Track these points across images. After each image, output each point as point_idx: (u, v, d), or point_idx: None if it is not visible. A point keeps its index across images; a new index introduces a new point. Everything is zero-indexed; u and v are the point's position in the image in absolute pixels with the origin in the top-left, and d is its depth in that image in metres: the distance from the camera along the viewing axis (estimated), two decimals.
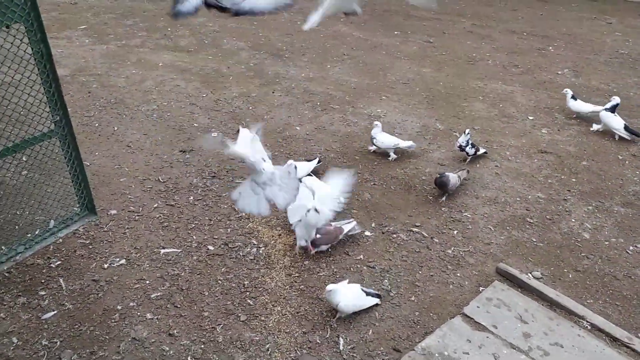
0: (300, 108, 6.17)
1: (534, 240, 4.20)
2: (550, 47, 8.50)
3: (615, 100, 5.59)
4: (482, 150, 5.21)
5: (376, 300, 3.44)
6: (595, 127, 5.84)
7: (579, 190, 4.85)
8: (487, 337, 3.23)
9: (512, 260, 3.96)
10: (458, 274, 3.81)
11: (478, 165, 5.16)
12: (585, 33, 9.25)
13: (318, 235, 3.80)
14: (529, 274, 3.80)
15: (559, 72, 7.50)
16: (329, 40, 8.51)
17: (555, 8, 10.72)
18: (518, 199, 4.70)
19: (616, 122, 5.58)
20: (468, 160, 5.13)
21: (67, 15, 9.20)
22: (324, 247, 3.86)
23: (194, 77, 6.90)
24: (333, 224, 3.90)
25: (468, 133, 5.05)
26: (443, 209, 4.50)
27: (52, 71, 3.13)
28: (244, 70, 7.19)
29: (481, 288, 3.68)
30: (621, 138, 5.60)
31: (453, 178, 4.53)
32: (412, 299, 3.58)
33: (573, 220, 4.46)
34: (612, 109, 5.60)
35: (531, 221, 4.42)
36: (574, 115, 6.11)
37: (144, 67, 7.13)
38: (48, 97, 3.21)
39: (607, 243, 4.20)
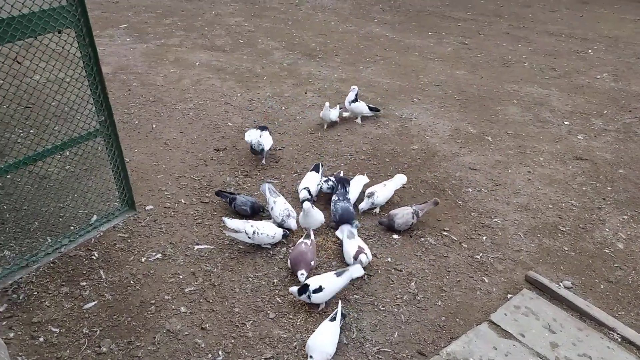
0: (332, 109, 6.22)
1: (566, 249, 4.15)
2: (590, 50, 8.30)
3: (355, 89, 5.76)
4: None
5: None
6: (359, 119, 5.97)
7: (614, 199, 4.76)
8: (514, 345, 3.24)
9: (542, 269, 3.93)
10: (486, 281, 3.82)
11: (510, 171, 5.12)
12: (628, 35, 8.99)
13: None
14: (560, 283, 3.77)
15: (598, 76, 7.33)
16: (362, 41, 8.54)
17: (596, 9, 10.45)
18: (550, 206, 4.64)
19: (363, 107, 5.86)
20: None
21: (109, 13, 9.53)
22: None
23: (229, 76, 7.06)
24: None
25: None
26: (472, 214, 4.50)
27: (99, 73, 3.30)
28: (277, 70, 7.31)
29: (509, 295, 3.67)
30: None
31: (401, 217, 4.08)
32: (439, 303, 3.60)
33: (607, 229, 4.38)
34: (356, 99, 5.79)
35: (563, 229, 4.37)
36: (325, 126, 5.82)
37: (181, 65, 7.34)
38: (94, 98, 3.39)
39: None
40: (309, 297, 3.35)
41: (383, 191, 4.39)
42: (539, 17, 10.01)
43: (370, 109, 5.94)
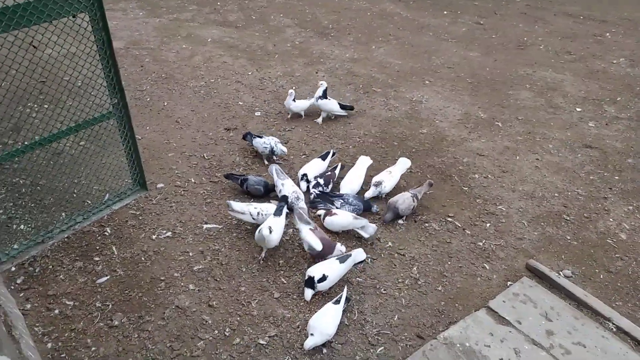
0: (343, 90, 6.24)
1: (568, 237, 4.20)
2: (608, 33, 8.14)
3: (324, 85, 5.48)
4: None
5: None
6: (320, 119, 5.59)
7: (621, 188, 4.77)
8: (510, 331, 3.33)
9: (544, 257, 3.99)
10: (487, 267, 3.89)
11: (518, 158, 5.14)
12: None
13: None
14: (559, 272, 3.83)
15: (614, 61, 7.21)
16: (376, 19, 8.45)
17: None
18: (556, 194, 4.67)
19: (333, 104, 5.52)
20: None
21: None
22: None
23: (240, 53, 7.06)
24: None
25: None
26: (478, 200, 4.55)
27: (112, 57, 3.36)
28: (289, 49, 7.29)
29: (509, 283, 3.75)
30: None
31: (403, 202, 4.15)
32: (439, 288, 3.70)
33: (611, 219, 4.41)
34: (324, 95, 5.47)
35: (567, 218, 4.40)
36: (289, 116, 5.66)
37: (193, 42, 7.35)
38: (107, 82, 3.46)
39: None
40: (314, 287, 3.47)
41: (390, 180, 4.44)
42: None
43: (343, 107, 5.57)
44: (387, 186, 4.40)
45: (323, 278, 3.45)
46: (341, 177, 4.58)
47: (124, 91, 3.67)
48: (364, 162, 4.64)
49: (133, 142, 3.92)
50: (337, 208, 4.20)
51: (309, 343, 3.10)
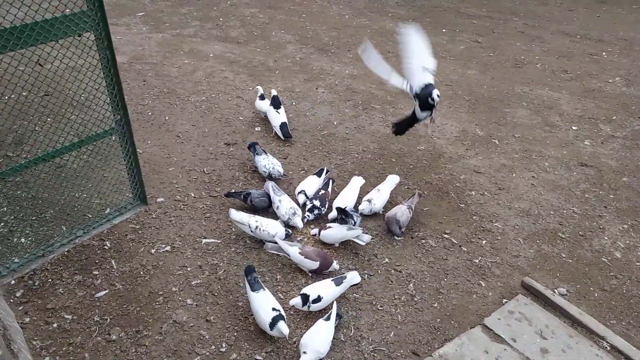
0: (342, 106, 6.33)
1: (563, 255, 4.24)
2: (604, 53, 8.26)
3: (259, 90, 5.78)
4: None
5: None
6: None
7: (616, 207, 4.82)
8: (505, 349, 3.36)
9: (539, 275, 4.03)
10: (483, 284, 3.93)
11: (514, 175, 5.19)
12: None
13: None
14: (554, 290, 3.87)
15: (610, 80, 7.31)
16: (375, 36, 8.57)
17: (614, 9, 10.33)
18: (552, 212, 4.72)
19: (267, 109, 5.66)
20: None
21: (126, 0, 9.64)
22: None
23: (241, 69, 7.16)
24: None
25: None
26: (474, 217, 4.59)
27: (116, 75, 3.43)
28: (290, 65, 7.39)
29: (504, 300, 3.79)
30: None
31: (402, 215, 4.22)
32: (435, 305, 3.73)
33: (606, 237, 4.46)
34: (275, 104, 5.57)
35: (563, 236, 4.45)
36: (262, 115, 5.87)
37: (195, 57, 7.45)
38: (111, 99, 3.53)
39: (638, 264, 4.19)
40: (308, 307, 3.49)
41: (379, 198, 4.49)
42: (555, 15, 9.93)
43: (282, 127, 5.42)
44: (377, 204, 4.45)
45: (318, 299, 3.48)
46: (333, 196, 4.61)
47: (127, 108, 3.74)
48: (356, 183, 4.70)
49: (134, 157, 3.99)
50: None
51: None
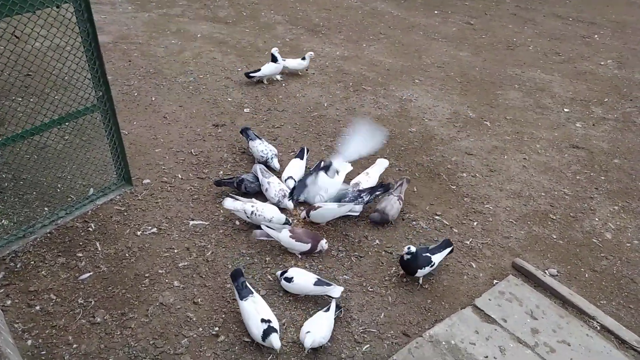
0: (333, 88, 6.22)
1: (554, 237, 4.22)
2: (596, 35, 8.21)
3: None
4: None
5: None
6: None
7: (607, 188, 4.81)
8: (496, 329, 3.34)
9: (530, 256, 4.01)
10: (474, 266, 3.90)
11: (506, 157, 5.15)
12: (636, 21, 8.87)
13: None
14: (545, 271, 3.85)
15: (602, 63, 7.27)
16: (367, 17, 8.44)
17: None
18: (543, 194, 4.69)
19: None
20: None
21: None
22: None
23: (230, 50, 7.01)
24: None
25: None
26: (465, 199, 4.55)
27: (97, 49, 3.30)
28: (279, 46, 7.24)
29: (495, 281, 3.76)
30: None
31: (392, 208, 4.13)
32: (426, 286, 3.69)
33: (597, 219, 4.44)
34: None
35: (554, 217, 4.42)
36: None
37: (183, 37, 7.28)
38: (92, 74, 3.40)
39: (628, 245, 4.19)
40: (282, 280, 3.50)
41: (367, 182, 4.38)
42: None
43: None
44: (365, 187, 4.36)
45: (290, 279, 3.48)
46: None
47: (109, 84, 3.61)
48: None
49: (118, 135, 3.87)
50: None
51: (308, 341, 3.00)
